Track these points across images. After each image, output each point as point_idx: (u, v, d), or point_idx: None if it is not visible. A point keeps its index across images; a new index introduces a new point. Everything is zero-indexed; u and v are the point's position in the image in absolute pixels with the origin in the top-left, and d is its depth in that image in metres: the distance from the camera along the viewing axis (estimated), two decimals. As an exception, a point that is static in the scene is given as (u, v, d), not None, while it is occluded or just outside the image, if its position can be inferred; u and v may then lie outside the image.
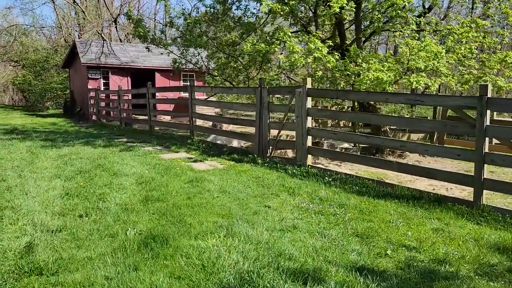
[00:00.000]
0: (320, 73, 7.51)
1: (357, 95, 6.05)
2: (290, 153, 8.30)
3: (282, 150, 8.20)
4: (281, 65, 9.24)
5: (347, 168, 7.84)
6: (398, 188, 5.54)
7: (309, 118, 6.70)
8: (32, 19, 40.35)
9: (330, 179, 6.04)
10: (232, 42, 11.44)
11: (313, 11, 11.33)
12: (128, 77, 20.01)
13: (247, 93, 9.81)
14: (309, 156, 6.78)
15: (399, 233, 3.97)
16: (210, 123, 12.42)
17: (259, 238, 3.57)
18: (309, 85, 6.64)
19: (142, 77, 20.22)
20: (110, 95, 17.91)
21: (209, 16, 11.63)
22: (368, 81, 6.67)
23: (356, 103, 9.31)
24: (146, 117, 12.78)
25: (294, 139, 8.58)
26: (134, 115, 17.13)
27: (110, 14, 22.05)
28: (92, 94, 17.80)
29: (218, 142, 9.48)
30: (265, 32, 10.25)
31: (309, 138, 6.75)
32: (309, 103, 6.68)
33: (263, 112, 7.48)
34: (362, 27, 10.00)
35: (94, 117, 18.03)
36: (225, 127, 15.48)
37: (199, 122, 10.73)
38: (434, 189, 6.28)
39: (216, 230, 3.72)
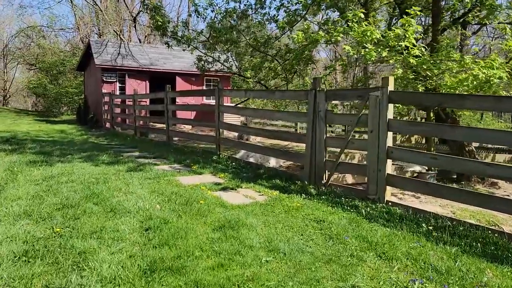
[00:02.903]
0: (399, 71, 5.59)
1: (479, 101, 3.97)
2: (349, 179, 6.39)
3: (339, 174, 6.30)
4: (339, 59, 7.32)
5: (431, 202, 5.87)
6: (550, 249, 3.56)
7: (390, 134, 4.79)
8: (49, 20, 39.73)
9: (430, 227, 4.10)
10: (267, 38, 9.68)
11: (362, 2, 9.55)
12: (147, 81, 18.58)
13: (295, 98, 7.98)
14: (388, 188, 4.86)
15: None
16: (234, 133, 10.67)
17: None
18: (391, 87, 4.75)
19: (161, 81, 18.74)
20: (126, 100, 16.52)
21: (238, 14, 9.96)
22: (475, 82, 4.72)
23: (432, 114, 7.33)
24: (163, 126, 11.15)
25: (355, 161, 6.68)
26: (152, 123, 15.66)
27: (130, 12, 20.85)
28: (106, 99, 16.40)
29: (251, 160, 7.66)
30: (313, 21, 8.43)
31: (389, 162, 4.84)
32: (391, 112, 4.79)
33: (318, 124, 5.62)
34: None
35: (107, 125, 16.62)
36: (253, 139, 13.71)
37: (226, 133, 8.97)
38: None
39: None
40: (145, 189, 5.18)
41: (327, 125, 5.65)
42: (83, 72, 23.23)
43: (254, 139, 13.66)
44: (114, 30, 22.48)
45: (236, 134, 13.24)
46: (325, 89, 5.56)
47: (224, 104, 8.58)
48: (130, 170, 6.46)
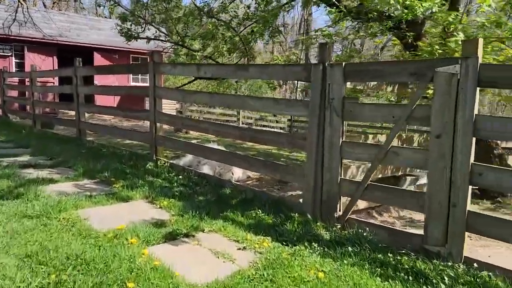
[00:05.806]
0: (460, 36, 3.62)
1: None
2: (361, 203, 4.38)
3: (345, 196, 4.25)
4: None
5: (495, 246, 4.07)
6: None
7: (474, 141, 2.82)
8: None
9: None
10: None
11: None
12: (54, 57, 15.17)
13: (285, 78, 5.68)
14: (466, 236, 2.90)
15: None
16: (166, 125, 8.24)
17: None
18: (481, 59, 2.77)
19: (74, 58, 15.46)
20: (26, 80, 13.11)
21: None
22: None
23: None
24: (73, 114, 8.35)
25: (348, 174, 4.66)
26: (63, 111, 12.61)
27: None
28: (-5, 78, 12.82)
29: (205, 170, 5.34)
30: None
31: (469, 190, 2.87)
32: (477, 102, 2.81)
33: (330, 120, 3.51)
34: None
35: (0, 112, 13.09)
36: (191, 133, 11.63)
37: (165, 127, 6.51)
38: None
39: None
40: (14, 248, 2.68)
41: (344, 122, 3.55)
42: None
43: (193, 134, 11.38)
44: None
45: (169, 127, 10.81)
46: (343, 63, 3.44)
47: (162, 86, 6.09)
48: (-2, 196, 3.83)
